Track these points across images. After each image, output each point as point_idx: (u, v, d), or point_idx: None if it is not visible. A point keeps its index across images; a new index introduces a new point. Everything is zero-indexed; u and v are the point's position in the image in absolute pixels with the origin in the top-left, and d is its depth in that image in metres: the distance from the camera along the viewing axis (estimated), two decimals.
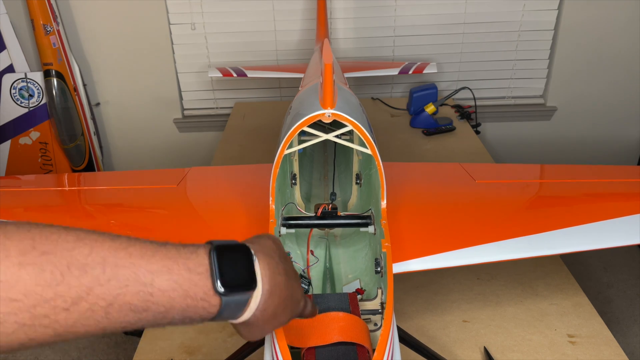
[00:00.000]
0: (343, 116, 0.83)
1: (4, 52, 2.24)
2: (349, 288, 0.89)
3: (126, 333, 2.07)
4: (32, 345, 0.41)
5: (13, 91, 2.26)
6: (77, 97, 2.31)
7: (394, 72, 2.11)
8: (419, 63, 2.14)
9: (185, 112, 2.52)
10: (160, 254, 0.45)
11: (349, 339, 0.64)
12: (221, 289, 0.46)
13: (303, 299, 0.59)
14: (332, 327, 0.65)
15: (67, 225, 0.44)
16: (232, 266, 0.48)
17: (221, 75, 2.13)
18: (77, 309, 0.41)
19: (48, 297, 0.39)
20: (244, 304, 0.49)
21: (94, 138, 2.45)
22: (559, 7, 2.28)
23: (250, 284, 0.49)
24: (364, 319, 0.75)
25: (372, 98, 2.34)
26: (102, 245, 0.43)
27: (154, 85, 2.43)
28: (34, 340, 0.40)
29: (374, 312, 0.77)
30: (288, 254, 0.90)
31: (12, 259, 0.39)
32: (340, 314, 0.66)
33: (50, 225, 0.43)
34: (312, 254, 0.93)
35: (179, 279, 0.45)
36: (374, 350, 0.64)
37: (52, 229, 0.42)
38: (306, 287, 0.86)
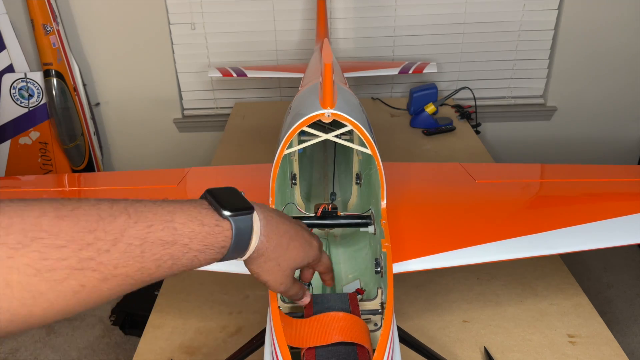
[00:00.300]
0: (343, 116, 0.83)
1: (4, 52, 2.24)
2: (349, 288, 0.89)
3: (126, 333, 2.07)
4: (86, 298, 0.45)
5: (13, 91, 2.26)
6: (77, 97, 2.31)
7: (394, 72, 2.11)
8: (419, 63, 2.14)
9: (185, 112, 2.52)
10: (168, 201, 0.52)
11: (349, 339, 0.64)
12: (226, 212, 0.54)
13: (317, 245, 0.66)
14: (332, 327, 0.65)
15: None
16: (227, 197, 0.56)
17: (221, 75, 2.13)
18: (116, 249, 0.46)
19: (90, 240, 0.44)
20: (250, 227, 0.56)
21: (94, 138, 2.45)
22: (559, 7, 2.28)
23: (248, 206, 0.57)
24: (364, 319, 0.75)
25: (372, 98, 2.34)
26: (119, 201, 0.49)
27: (154, 85, 2.43)
28: (84, 287, 0.44)
29: (374, 312, 0.77)
30: None
31: (49, 214, 0.44)
32: (340, 314, 0.66)
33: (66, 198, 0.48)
34: None
35: (192, 213, 0.52)
36: (374, 350, 0.64)
37: (69, 198, 0.47)
38: (306, 287, 0.86)
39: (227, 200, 0.55)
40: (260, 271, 0.61)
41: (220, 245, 0.53)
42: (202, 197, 0.57)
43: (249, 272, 0.63)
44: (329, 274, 0.74)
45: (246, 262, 0.61)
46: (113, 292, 0.47)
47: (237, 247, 0.56)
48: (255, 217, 0.57)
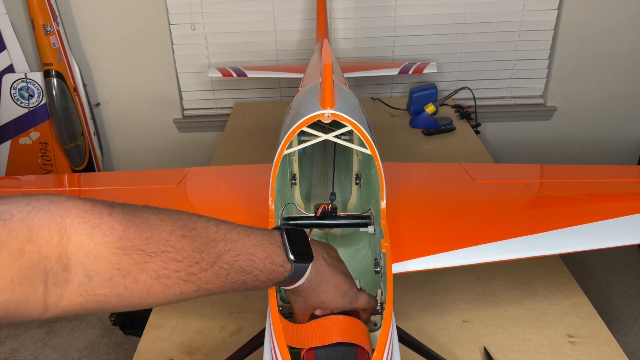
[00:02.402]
0: (342, 116, 0.83)
1: (4, 52, 2.24)
2: None
3: (126, 333, 2.07)
4: (179, 299, 0.56)
5: (13, 91, 2.26)
6: (77, 97, 2.31)
7: (394, 72, 2.11)
8: (418, 63, 2.14)
9: (185, 112, 2.53)
10: (255, 234, 0.62)
11: (349, 339, 0.64)
12: (292, 257, 0.63)
13: (353, 293, 0.71)
14: (332, 329, 0.65)
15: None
16: (298, 241, 0.65)
17: (221, 75, 2.13)
18: (212, 270, 0.57)
19: (197, 260, 0.55)
20: (304, 273, 0.65)
21: (94, 138, 2.45)
22: (559, 7, 2.28)
23: (310, 257, 0.65)
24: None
25: (372, 98, 2.34)
26: (221, 225, 0.60)
27: (154, 85, 2.43)
28: (182, 293, 0.56)
29: (373, 312, 0.77)
30: None
31: (176, 233, 0.55)
32: (340, 316, 0.66)
33: (182, 211, 0.59)
34: None
35: (268, 250, 0.62)
36: (373, 350, 0.64)
37: (188, 213, 0.59)
38: None
39: (296, 245, 0.64)
40: (290, 297, 0.70)
41: (278, 280, 0.63)
42: (278, 230, 0.66)
43: None
44: (365, 314, 0.75)
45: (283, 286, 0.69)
46: (194, 297, 0.58)
47: (284, 284, 0.65)
48: (311, 265, 0.66)
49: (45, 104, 2.28)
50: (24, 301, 0.46)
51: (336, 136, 0.87)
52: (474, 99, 2.16)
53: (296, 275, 0.64)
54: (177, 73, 2.42)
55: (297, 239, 0.65)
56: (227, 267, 0.58)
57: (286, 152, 0.87)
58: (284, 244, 0.64)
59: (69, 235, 0.48)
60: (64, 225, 0.48)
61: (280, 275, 0.63)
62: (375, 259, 0.85)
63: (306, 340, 0.65)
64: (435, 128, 2.00)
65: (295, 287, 0.66)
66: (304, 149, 1.16)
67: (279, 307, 0.70)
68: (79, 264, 0.48)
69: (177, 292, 0.55)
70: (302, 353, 0.65)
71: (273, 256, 0.62)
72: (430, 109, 2.01)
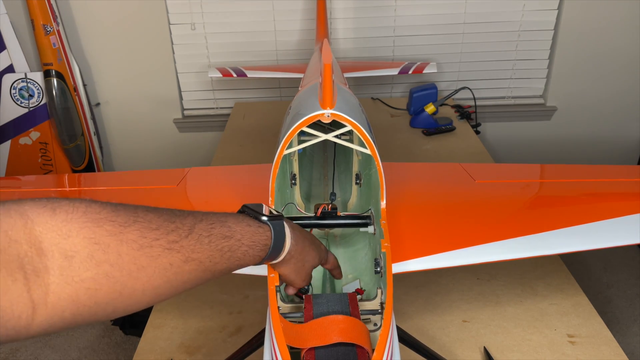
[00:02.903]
0: (342, 116, 0.83)
1: (4, 52, 2.24)
2: (349, 288, 0.89)
3: (126, 333, 2.07)
4: (170, 275, 0.54)
5: (13, 91, 2.26)
6: (77, 97, 2.31)
7: (394, 72, 2.11)
8: (418, 63, 2.14)
9: (185, 112, 2.53)
10: (220, 213, 0.63)
11: (349, 339, 0.64)
12: (265, 217, 0.66)
13: (324, 248, 0.79)
14: (332, 329, 0.65)
15: None
16: (260, 208, 0.68)
17: (221, 75, 2.13)
18: (192, 237, 0.56)
19: (172, 228, 0.55)
20: (284, 231, 0.67)
21: (94, 138, 2.45)
22: (559, 7, 2.28)
23: (280, 214, 0.68)
24: (363, 319, 0.75)
25: (372, 98, 2.34)
26: (182, 210, 0.59)
27: (154, 85, 2.43)
28: (172, 265, 0.54)
29: (373, 312, 0.77)
30: None
31: (141, 208, 0.54)
32: (340, 316, 0.66)
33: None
34: None
35: (239, 218, 0.64)
36: (373, 350, 0.64)
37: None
38: (306, 287, 0.86)
39: (261, 210, 0.67)
40: (290, 271, 0.72)
41: (264, 243, 0.64)
42: (239, 212, 0.68)
43: (248, 273, 0.64)
44: (336, 270, 0.84)
45: (278, 265, 0.72)
46: (192, 276, 0.56)
47: (276, 247, 0.66)
48: (286, 228, 0.68)
49: (45, 104, 2.28)
50: (6, 295, 0.42)
51: (336, 136, 0.87)
52: (474, 99, 2.16)
53: (279, 235, 0.66)
54: (177, 73, 2.42)
55: (259, 207, 0.68)
56: (207, 234, 0.58)
57: (286, 152, 0.87)
58: (249, 213, 0.67)
59: (31, 218, 0.45)
60: (23, 211, 0.46)
61: (263, 236, 0.64)
62: (375, 259, 0.85)
63: (306, 340, 0.65)
64: (435, 128, 2.00)
65: (288, 253, 0.69)
66: (304, 149, 1.16)
67: (278, 307, 0.71)
68: (53, 246, 0.46)
69: (166, 263, 0.53)
70: (302, 353, 0.65)
71: (247, 220, 0.64)
72: (430, 109, 2.02)
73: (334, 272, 0.84)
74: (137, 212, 0.53)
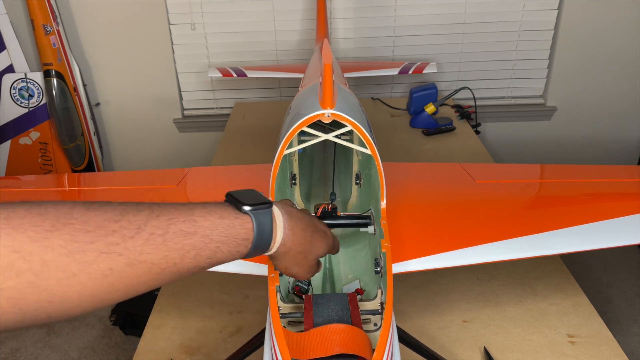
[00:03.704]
0: (342, 116, 0.83)
1: (4, 52, 2.24)
2: (349, 288, 0.89)
3: (126, 333, 2.07)
4: (112, 280, 0.48)
5: (13, 91, 2.26)
6: (77, 97, 2.31)
7: (394, 72, 2.11)
8: (418, 63, 2.14)
9: (185, 112, 2.53)
10: (191, 203, 0.56)
11: (350, 351, 0.63)
12: (246, 207, 0.57)
13: (331, 234, 0.70)
14: (333, 339, 0.64)
15: None
16: (246, 195, 0.60)
17: (221, 75, 2.13)
18: (139, 237, 0.49)
19: (115, 228, 0.48)
20: (271, 220, 0.59)
21: (94, 138, 2.45)
22: (559, 7, 2.28)
23: (266, 202, 0.60)
24: (363, 319, 0.75)
25: (372, 98, 2.34)
26: (144, 202, 0.53)
27: (154, 85, 2.43)
28: (113, 270, 0.47)
29: (373, 312, 0.77)
30: None
31: (79, 207, 0.48)
32: (342, 326, 0.66)
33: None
34: None
35: (212, 209, 0.56)
36: (373, 351, 0.64)
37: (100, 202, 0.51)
38: (306, 287, 0.86)
39: (246, 198, 0.59)
40: (290, 265, 0.65)
41: (242, 237, 0.56)
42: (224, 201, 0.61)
43: (248, 273, 0.63)
44: (334, 251, 0.77)
45: (274, 258, 0.64)
46: (142, 280, 0.50)
47: (261, 239, 0.58)
48: (277, 211, 0.61)
49: (45, 104, 2.28)
50: None
51: (336, 136, 0.87)
52: (474, 99, 2.16)
53: (263, 226, 0.59)
54: (177, 73, 2.42)
55: (245, 193, 0.60)
56: (161, 232, 0.51)
57: (286, 152, 0.87)
58: (230, 201, 0.59)
59: None
60: None
61: (240, 229, 0.56)
62: (376, 259, 0.85)
63: (307, 351, 0.64)
64: (435, 128, 2.00)
65: (282, 245, 0.62)
66: (304, 149, 1.16)
67: (279, 307, 0.71)
68: None
69: (105, 269, 0.47)
70: None
71: (220, 212, 0.56)
72: (430, 109, 2.01)
73: (334, 251, 0.77)
74: (73, 213, 0.47)
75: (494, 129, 2.53)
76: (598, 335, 1.07)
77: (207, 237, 0.54)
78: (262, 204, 0.59)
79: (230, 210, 0.57)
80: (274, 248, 0.62)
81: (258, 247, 0.59)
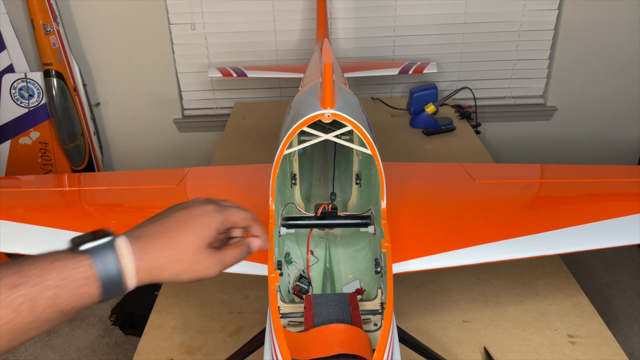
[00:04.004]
0: (343, 116, 0.83)
1: (4, 52, 2.24)
2: (349, 288, 0.89)
3: (126, 333, 2.07)
4: None
5: (13, 91, 2.26)
6: (77, 97, 2.31)
7: (394, 72, 2.11)
8: (419, 63, 2.14)
9: (185, 112, 2.52)
10: (17, 258, 0.51)
11: (351, 351, 0.63)
12: (82, 247, 0.53)
13: (214, 208, 0.63)
14: (334, 339, 0.64)
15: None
16: (86, 235, 0.55)
17: (221, 75, 2.13)
18: None
19: None
20: (113, 251, 0.54)
21: (94, 138, 2.45)
22: (559, 7, 2.28)
23: (102, 232, 0.55)
24: (363, 319, 0.75)
25: (372, 98, 2.34)
26: None
27: (154, 85, 2.43)
28: None
29: (373, 312, 0.77)
30: (287, 255, 0.90)
31: None
32: (342, 326, 0.66)
33: None
34: (312, 254, 0.93)
35: (44, 256, 0.52)
36: (373, 351, 0.64)
37: None
38: (306, 287, 0.86)
39: (85, 237, 0.55)
40: (176, 277, 0.58)
41: (82, 275, 0.52)
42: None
43: (248, 273, 0.63)
44: (256, 228, 0.66)
45: (159, 281, 0.58)
46: None
47: (106, 272, 0.53)
48: (121, 240, 0.55)
49: (45, 104, 2.28)
50: None
51: (336, 136, 0.87)
52: (474, 99, 2.16)
53: (105, 258, 0.53)
54: (177, 73, 2.42)
55: (85, 235, 0.55)
56: None
57: (286, 152, 0.87)
58: (69, 245, 0.55)
59: None
60: None
61: (79, 268, 0.52)
62: (376, 259, 0.85)
63: (307, 351, 0.64)
64: (436, 128, 2.00)
65: (144, 271, 0.55)
66: (304, 149, 1.16)
67: (279, 307, 0.70)
68: None
69: None
70: None
71: (51, 256, 0.52)
72: (430, 109, 2.01)
73: (253, 232, 0.66)
74: None
75: (494, 129, 2.53)
76: (598, 335, 1.07)
77: (39, 285, 0.49)
78: (100, 237, 0.55)
79: (65, 252, 0.53)
80: (133, 277, 0.55)
81: (111, 283, 0.53)
